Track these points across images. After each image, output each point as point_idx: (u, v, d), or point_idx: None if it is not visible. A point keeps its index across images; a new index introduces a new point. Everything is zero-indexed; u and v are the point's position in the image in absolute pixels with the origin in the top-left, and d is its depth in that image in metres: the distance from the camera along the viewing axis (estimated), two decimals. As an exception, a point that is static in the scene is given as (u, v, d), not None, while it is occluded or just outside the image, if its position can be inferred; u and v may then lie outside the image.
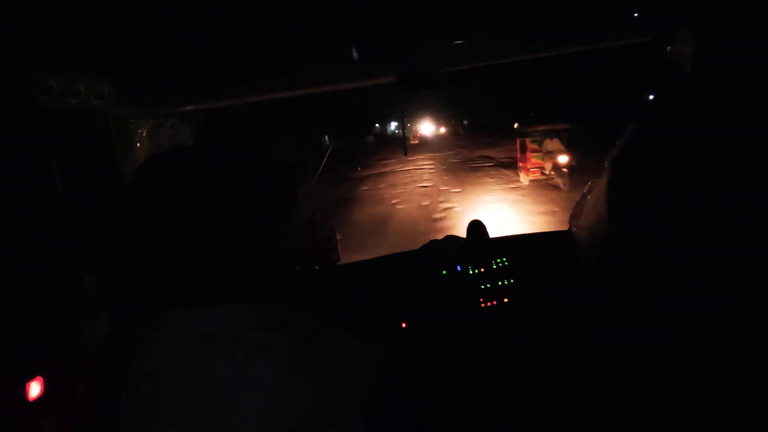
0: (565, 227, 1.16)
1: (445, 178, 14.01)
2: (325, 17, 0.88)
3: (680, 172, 0.47)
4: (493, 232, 1.71)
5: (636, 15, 1.08)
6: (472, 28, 0.98)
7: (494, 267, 1.56)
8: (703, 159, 0.46)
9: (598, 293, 0.58)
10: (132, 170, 0.61)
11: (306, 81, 1.40)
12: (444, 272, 1.55)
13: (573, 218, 0.68)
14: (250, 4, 0.82)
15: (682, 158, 0.47)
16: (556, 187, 9.85)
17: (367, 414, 0.55)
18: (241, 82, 1.30)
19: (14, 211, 0.95)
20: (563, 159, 9.57)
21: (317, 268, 1.55)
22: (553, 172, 10.07)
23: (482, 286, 1.54)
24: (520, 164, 11.36)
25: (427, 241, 1.63)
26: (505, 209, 8.34)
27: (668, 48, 0.56)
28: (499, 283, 1.54)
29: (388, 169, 18.78)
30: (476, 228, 1.67)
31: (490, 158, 18.09)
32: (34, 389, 0.93)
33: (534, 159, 10.60)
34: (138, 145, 1.27)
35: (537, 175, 10.68)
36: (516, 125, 11.73)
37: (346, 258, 1.70)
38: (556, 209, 8.06)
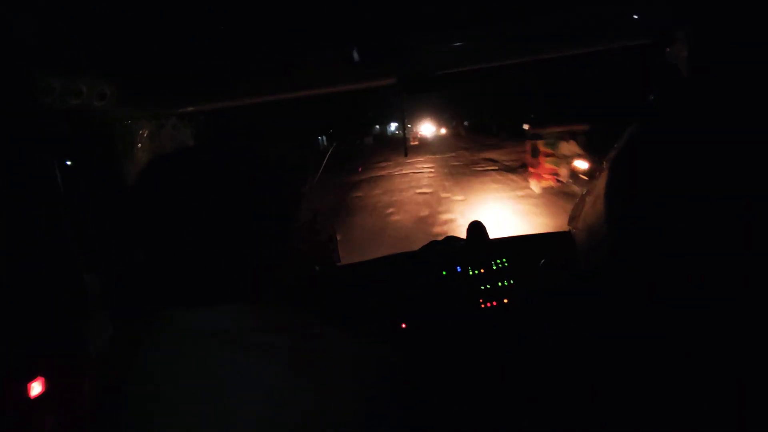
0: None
1: (446, 183, 12.87)
2: (326, 18, 0.88)
3: (680, 172, 0.47)
4: (493, 233, 1.71)
5: (636, 17, 1.08)
6: (473, 28, 0.99)
7: (494, 268, 1.56)
8: (703, 159, 0.46)
9: (598, 294, 0.59)
10: (134, 171, 0.61)
11: (307, 82, 1.40)
12: (444, 273, 1.55)
13: (572, 219, 0.68)
14: (250, 5, 0.83)
15: (681, 159, 0.47)
16: (574, 197, 7.57)
17: (367, 414, 0.55)
18: (242, 84, 1.30)
19: (15, 211, 0.95)
20: (582, 164, 8.57)
21: (318, 268, 1.55)
22: (570, 180, 8.96)
23: (482, 287, 1.54)
24: (532, 170, 10.11)
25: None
26: (516, 223, 7.04)
27: (668, 50, 0.56)
28: (499, 283, 1.55)
29: (385, 172, 17.49)
30: (476, 229, 1.67)
31: (494, 161, 16.98)
32: (36, 389, 0.94)
33: (548, 164, 9.43)
34: (139, 145, 1.28)
35: (551, 183, 9.42)
36: (526, 126, 10.86)
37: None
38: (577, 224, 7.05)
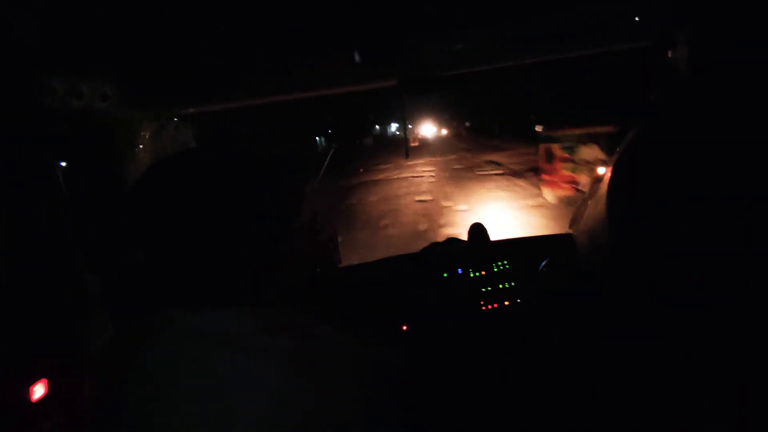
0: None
1: (447, 189, 11.53)
2: (327, 19, 0.88)
3: (680, 173, 0.47)
4: (494, 234, 1.71)
5: (637, 19, 1.08)
6: (473, 28, 0.99)
7: (495, 270, 1.56)
8: (703, 161, 0.46)
9: (599, 294, 0.59)
10: (135, 172, 0.61)
11: (308, 84, 1.40)
12: (445, 275, 1.55)
13: (573, 221, 0.68)
14: (251, 7, 0.83)
15: (682, 160, 0.47)
16: (596, 209, 7.15)
17: (367, 415, 0.55)
18: (243, 85, 1.31)
19: (15, 211, 0.95)
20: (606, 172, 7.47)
21: (318, 270, 1.55)
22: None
23: (483, 289, 1.54)
24: (546, 177, 8.82)
25: None
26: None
27: (669, 52, 0.56)
28: (500, 285, 1.55)
29: (382, 176, 16.19)
30: (477, 230, 1.67)
31: (498, 164, 15.66)
32: (39, 391, 0.94)
33: (565, 171, 8.22)
34: (141, 146, 1.28)
35: (568, 192, 8.17)
36: (539, 128, 9.25)
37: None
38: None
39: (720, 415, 0.45)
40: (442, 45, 1.11)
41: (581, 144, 8.18)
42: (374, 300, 1.50)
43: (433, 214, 8.47)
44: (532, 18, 0.94)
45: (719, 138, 0.46)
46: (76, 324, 1.06)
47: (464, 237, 1.71)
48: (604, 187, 0.56)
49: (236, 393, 0.52)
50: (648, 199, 0.49)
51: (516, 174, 12.86)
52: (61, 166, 1.08)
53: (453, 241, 1.75)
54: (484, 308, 1.52)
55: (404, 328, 1.49)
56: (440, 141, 37.01)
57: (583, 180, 7.92)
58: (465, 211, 8.44)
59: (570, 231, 0.72)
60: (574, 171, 8.15)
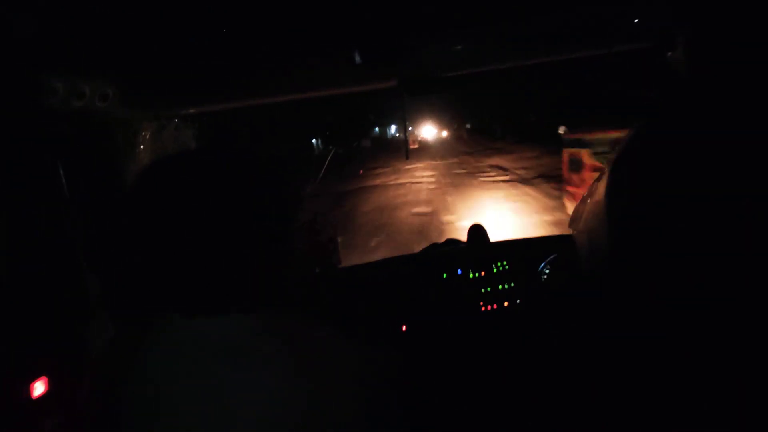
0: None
1: (449, 198, 10.15)
2: (327, 19, 0.88)
3: (680, 173, 0.47)
4: (494, 235, 1.71)
5: (637, 20, 1.08)
6: (474, 28, 0.99)
7: (495, 271, 1.56)
8: (703, 160, 0.46)
9: (599, 295, 0.59)
10: (135, 173, 0.61)
11: (308, 84, 1.41)
12: (444, 275, 1.55)
13: (573, 221, 0.68)
14: (252, 7, 0.83)
15: (682, 159, 0.47)
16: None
17: (367, 417, 0.55)
18: (243, 86, 1.31)
19: (15, 211, 0.96)
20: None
21: (318, 270, 1.55)
22: None
23: (483, 290, 1.54)
24: (571, 188, 7.54)
25: None
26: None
27: (669, 54, 0.56)
28: (500, 286, 1.55)
29: (379, 181, 14.88)
30: (477, 231, 1.67)
31: (504, 169, 14.43)
32: (38, 389, 0.94)
33: None
34: (141, 146, 1.28)
35: None
36: (563, 130, 7.99)
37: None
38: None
39: (720, 415, 0.45)
40: (442, 45, 1.11)
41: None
42: (374, 300, 1.50)
43: (432, 232, 7.44)
44: (532, 18, 0.94)
45: (719, 138, 0.46)
46: (76, 324, 1.06)
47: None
48: (603, 186, 0.56)
49: (234, 398, 0.52)
50: (648, 198, 0.49)
51: (525, 181, 11.48)
52: (66, 165, 1.08)
53: (453, 241, 1.75)
54: (483, 309, 1.52)
55: (404, 328, 1.49)
56: (441, 143, 36.31)
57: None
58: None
59: (569, 231, 0.72)
60: (607, 181, 7.14)
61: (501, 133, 30.96)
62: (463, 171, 15.48)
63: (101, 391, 0.63)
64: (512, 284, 1.55)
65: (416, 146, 32.79)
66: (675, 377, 0.48)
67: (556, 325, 1.40)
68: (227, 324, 0.57)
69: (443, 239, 1.77)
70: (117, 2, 0.78)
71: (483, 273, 1.56)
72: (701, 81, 0.52)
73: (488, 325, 1.52)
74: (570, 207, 7.56)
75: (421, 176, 15.16)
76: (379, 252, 6.66)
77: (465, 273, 1.56)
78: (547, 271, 1.55)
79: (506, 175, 13.18)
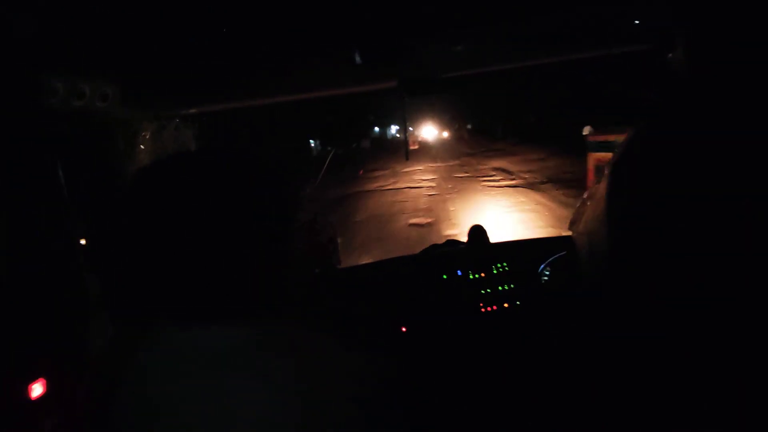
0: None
1: (450, 207, 9.07)
2: (327, 19, 0.88)
3: (680, 173, 0.47)
4: (494, 236, 1.71)
5: (637, 22, 1.08)
6: (474, 28, 0.99)
7: (495, 272, 1.56)
8: (703, 160, 0.46)
9: (599, 296, 0.58)
10: (134, 173, 0.60)
11: (308, 84, 1.41)
12: (444, 276, 1.55)
13: (573, 223, 0.68)
14: (252, 7, 0.83)
15: (681, 160, 0.47)
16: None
17: (367, 415, 0.55)
18: (243, 86, 1.31)
19: (15, 211, 0.96)
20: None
21: (318, 271, 1.55)
22: None
23: (482, 291, 1.54)
24: None
25: None
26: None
27: (669, 55, 0.56)
28: (500, 287, 1.54)
29: (375, 185, 13.69)
30: (477, 232, 1.67)
31: (509, 173, 13.25)
32: (37, 389, 0.94)
33: None
34: (141, 146, 1.28)
35: None
36: (587, 130, 7.04)
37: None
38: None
39: (720, 415, 0.45)
40: (442, 45, 1.11)
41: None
42: (374, 301, 1.50)
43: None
44: (532, 18, 0.94)
45: (718, 138, 0.46)
46: (75, 324, 1.06)
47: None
48: (603, 187, 0.56)
49: (235, 398, 0.52)
50: (648, 199, 0.49)
51: (533, 186, 10.35)
52: (66, 165, 1.08)
53: (453, 242, 1.75)
54: (483, 310, 1.52)
55: (403, 329, 1.48)
56: (441, 144, 35.50)
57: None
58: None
59: (569, 232, 0.72)
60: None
61: (502, 133, 30.54)
62: (465, 174, 14.38)
63: (100, 391, 0.62)
64: (512, 285, 1.55)
65: (416, 147, 32.36)
66: (675, 377, 0.48)
67: (556, 326, 1.40)
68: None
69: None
70: (117, 2, 0.78)
71: (483, 274, 1.56)
72: (701, 82, 0.52)
73: (488, 326, 1.52)
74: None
75: (420, 180, 14.01)
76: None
77: (465, 274, 1.56)
78: (547, 272, 1.55)
79: (511, 179, 12.09)
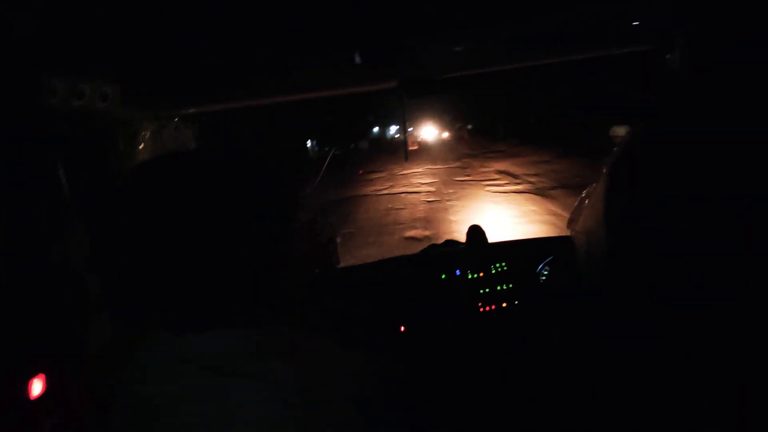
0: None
1: (452, 218, 8.19)
2: (327, 19, 0.88)
3: (679, 173, 0.47)
4: (493, 236, 1.71)
5: (637, 23, 1.08)
6: (474, 28, 0.99)
7: (493, 271, 1.56)
8: (702, 160, 0.46)
9: (598, 295, 0.59)
10: (133, 174, 0.60)
11: (308, 85, 1.41)
12: (443, 276, 1.55)
13: (571, 222, 0.68)
14: (252, 7, 0.83)
15: (681, 160, 0.47)
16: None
17: (367, 415, 0.55)
18: (243, 86, 1.31)
19: (15, 211, 0.96)
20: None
21: (317, 271, 1.55)
22: None
23: (481, 291, 1.54)
24: None
25: None
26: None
27: (668, 56, 0.56)
28: (498, 287, 1.54)
29: (370, 189, 12.82)
30: (476, 232, 1.67)
31: (513, 176, 12.29)
32: (36, 388, 0.94)
33: None
34: (141, 146, 1.28)
35: None
36: (621, 131, 4.25)
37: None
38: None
39: (720, 415, 0.45)
40: (442, 46, 1.11)
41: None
42: (373, 301, 1.50)
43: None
44: (532, 18, 0.94)
45: (718, 138, 0.46)
46: (75, 323, 1.06)
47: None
48: (602, 188, 0.56)
49: (235, 398, 0.52)
50: (646, 199, 0.49)
51: (542, 193, 9.34)
52: (66, 165, 1.08)
53: (451, 243, 1.75)
54: (482, 310, 1.52)
55: (402, 329, 1.48)
56: (441, 144, 34.73)
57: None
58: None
59: (568, 232, 0.72)
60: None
61: (503, 134, 30.05)
62: (466, 178, 13.40)
63: (100, 391, 0.62)
64: (511, 285, 1.55)
65: (415, 147, 31.94)
66: (674, 377, 0.48)
67: (555, 326, 1.40)
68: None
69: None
70: (117, 2, 0.78)
71: (482, 274, 1.56)
72: (700, 82, 0.52)
73: (487, 325, 1.52)
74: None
75: (418, 184, 13.11)
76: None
77: (464, 274, 1.56)
78: (545, 272, 1.55)
79: (517, 183, 11.06)
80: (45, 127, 1.00)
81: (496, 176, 12.78)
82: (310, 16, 0.85)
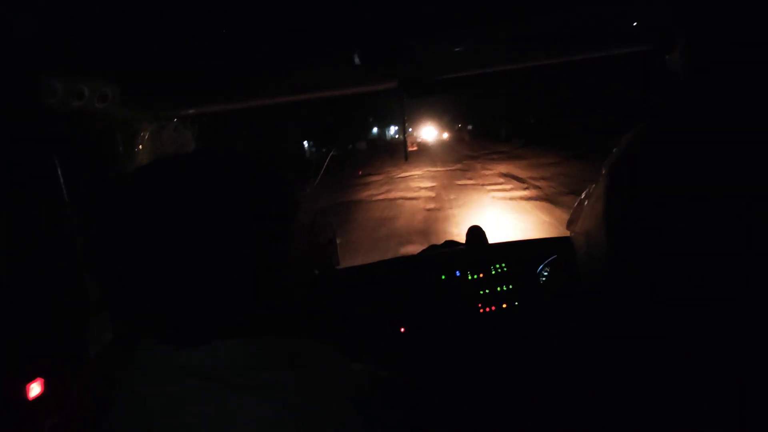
0: None
1: (455, 230, 7.03)
2: (326, 19, 0.88)
3: (679, 173, 0.47)
4: (493, 237, 1.71)
5: (636, 23, 1.08)
6: (474, 28, 0.99)
7: (493, 272, 1.56)
8: (702, 161, 0.46)
9: (598, 296, 0.58)
10: (133, 173, 0.60)
11: (308, 85, 1.41)
12: (443, 277, 1.55)
13: (570, 223, 0.68)
14: (251, 8, 0.83)
15: (681, 160, 0.47)
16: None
17: (367, 416, 0.55)
18: (242, 87, 1.31)
19: (15, 211, 0.96)
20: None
21: (317, 271, 1.55)
22: None
23: (481, 292, 1.54)
24: None
25: None
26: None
27: (668, 56, 0.56)
28: (498, 288, 1.55)
29: (365, 194, 11.94)
30: (475, 233, 1.67)
31: (519, 180, 11.34)
32: (35, 389, 0.94)
33: None
34: (140, 147, 1.28)
35: None
36: None
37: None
38: None
39: (720, 415, 0.45)
40: (442, 46, 1.11)
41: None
42: (373, 302, 1.50)
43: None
44: (532, 18, 0.94)
45: (718, 138, 0.46)
46: (74, 324, 1.06)
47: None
48: (602, 188, 0.56)
49: (235, 398, 0.52)
50: (646, 199, 0.49)
51: (552, 199, 8.53)
52: (66, 165, 1.08)
53: (451, 243, 1.75)
54: (482, 310, 1.52)
55: (402, 329, 1.48)
56: (441, 145, 34.37)
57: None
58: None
59: (568, 233, 0.72)
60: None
61: (505, 135, 29.46)
62: (469, 182, 12.46)
63: (99, 391, 0.62)
64: (511, 286, 1.55)
65: (415, 148, 31.69)
66: (674, 377, 0.48)
67: (555, 326, 1.40)
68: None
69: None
70: (116, 2, 0.78)
71: (481, 275, 1.56)
72: (700, 83, 0.52)
73: (487, 326, 1.52)
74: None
75: (417, 188, 12.19)
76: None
77: (464, 274, 1.56)
78: (545, 273, 1.55)
79: (524, 188, 10.17)
80: (44, 127, 1.00)
81: (501, 180, 11.98)
82: (310, 16, 0.86)
